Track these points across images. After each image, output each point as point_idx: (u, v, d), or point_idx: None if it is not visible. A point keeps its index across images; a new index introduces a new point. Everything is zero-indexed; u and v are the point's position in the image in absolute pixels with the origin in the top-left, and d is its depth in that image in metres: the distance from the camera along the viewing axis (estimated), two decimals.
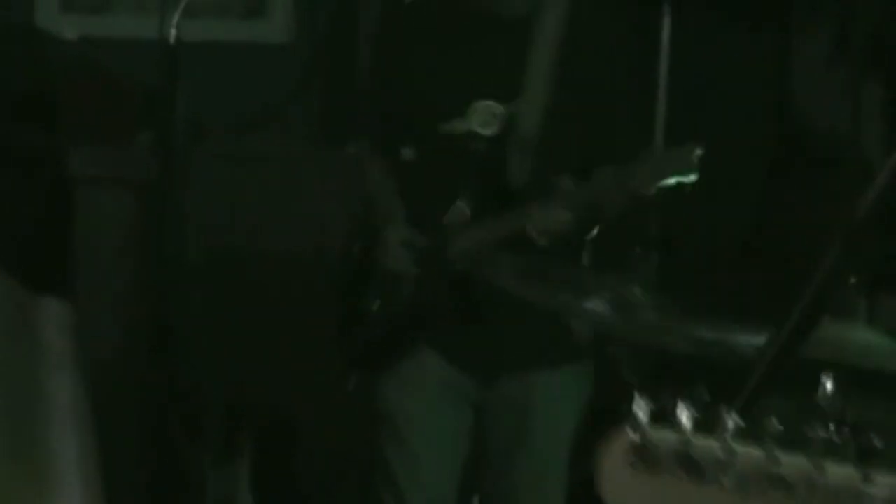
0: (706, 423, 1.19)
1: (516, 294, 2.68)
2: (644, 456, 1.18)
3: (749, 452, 1.18)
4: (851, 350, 2.23)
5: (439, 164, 3.06)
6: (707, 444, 1.18)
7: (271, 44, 4.72)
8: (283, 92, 4.67)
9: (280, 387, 4.33)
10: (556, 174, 2.97)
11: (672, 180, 2.87)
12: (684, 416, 1.19)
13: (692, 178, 2.86)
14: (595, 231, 3.00)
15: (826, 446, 1.15)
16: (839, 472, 1.16)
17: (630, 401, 2.87)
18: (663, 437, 1.18)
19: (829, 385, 2.26)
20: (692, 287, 2.92)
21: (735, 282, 3.95)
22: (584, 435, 3.12)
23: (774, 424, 1.19)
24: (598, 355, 3.07)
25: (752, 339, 2.35)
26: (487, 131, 2.98)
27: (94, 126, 4.49)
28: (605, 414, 3.00)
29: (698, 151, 2.86)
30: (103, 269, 4.33)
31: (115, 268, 4.34)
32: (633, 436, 1.17)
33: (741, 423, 1.19)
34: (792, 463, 1.17)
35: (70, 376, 3.08)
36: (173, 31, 3.63)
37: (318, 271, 3.99)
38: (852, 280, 2.26)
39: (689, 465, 1.17)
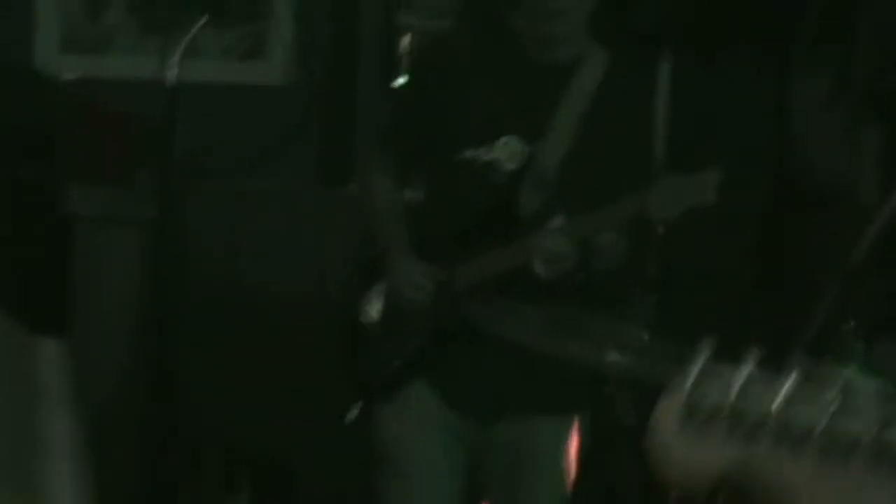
0: (757, 385, 1.18)
1: (534, 347, 2.70)
2: (695, 416, 1.17)
3: (800, 414, 1.17)
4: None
5: (455, 194, 3.13)
6: (758, 406, 1.17)
7: (270, 85, 4.74)
8: (282, 133, 4.68)
9: (278, 426, 4.32)
10: (565, 213, 3.04)
11: (688, 208, 2.92)
12: (737, 377, 1.18)
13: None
14: (598, 266, 3.02)
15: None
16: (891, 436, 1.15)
17: (628, 442, 2.86)
18: (714, 397, 1.17)
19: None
20: (691, 327, 2.93)
21: (734, 322, 3.95)
22: (577, 479, 3.12)
23: (825, 390, 1.18)
24: (597, 397, 3.08)
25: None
26: (509, 166, 3.05)
27: (94, 166, 4.50)
28: (602, 457, 3.00)
29: (716, 178, 2.91)
30: (103, 308, 4.33)
31: (114, 307, 4.34)
32: (684, 396, 1.17)
33: (792, 387, 1.18)
34: (842, 426, 1.17)
35: (67, 416, 3.07)
36: (173, 72, 3.65)
37: (316, 310, 3.99)
38: (850, 323, 2.27)
39: (740, 426, 1.16)
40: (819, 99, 4.15)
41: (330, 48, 4.76)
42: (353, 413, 3.21)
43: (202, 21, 3.78)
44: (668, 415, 1.19)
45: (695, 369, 1.20)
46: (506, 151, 3.06)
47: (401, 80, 3.62)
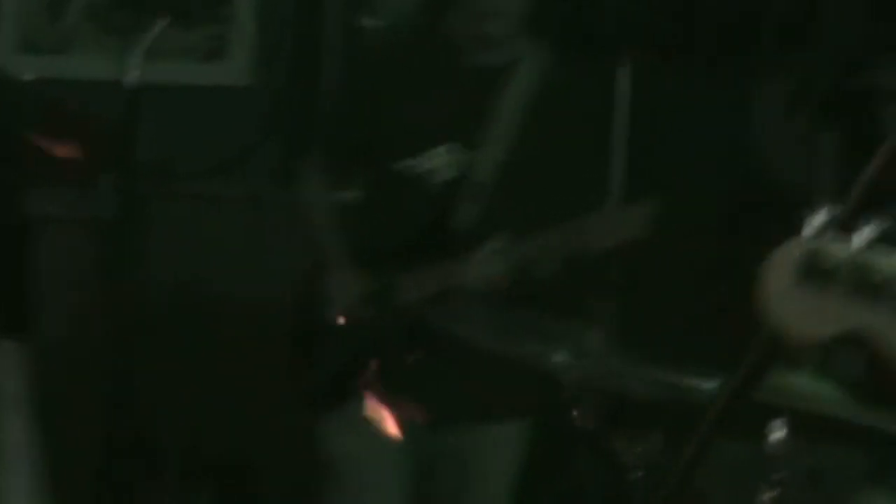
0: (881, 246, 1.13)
1: (481, 345, 2.69)
2: (814, 268, 1.12)
3: None
4: (800, 396, 2.25)
5: (391, 203, 3.09)
6: (884, 261, 1.11)
7: (232, 86, 4.73)
8: (244, 134, 4.67)
9: (237, 430, 4.31)
10: (503, 225, 2.98)
11: (623, 239, 2.86)
12: (863, 230, 1.14)
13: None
14: (533, 286, 2.99)
15: None
16: None
17: (586, 445, 2.86)
18: (837, 249, 1.11)
19: (780, 431, 2.27)
20: (650, 333, 2.94)
21: (694, 328, 3.96)
22: (527, 484, 3.13)
23: None
24: (554, 402, 3.09)
25: (708, 384, 2.36)
26: (447, 175, 3.01)
27: (55, 166, 4.48)
28: (557, 460, 3.01)
29: (650, 211, 2.85)
30: (61, 310, 4.31)
31: (74, 309, 4.32)
32: (805, 246, 1.11)
33: None
34: None
35: (23, 419, 3.06)
36: (134, 74, 3.63)
37: (274, 315, 3.98)
38: None
39: (862, 280, 1.10)
40: (778, 105, 4.17)
41: (292, 50, 4.75)
42: (303, 420, 3.20)
43: (163, 22, 3.77)
44: (785, 267, 1.13)
45: (816, 223, 1.15)
46: (443, 160, 3.01)
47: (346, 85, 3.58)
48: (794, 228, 3.74)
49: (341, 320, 3.08)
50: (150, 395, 4.15)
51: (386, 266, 3.05)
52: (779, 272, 1.11)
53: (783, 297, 1.10)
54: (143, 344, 4.03)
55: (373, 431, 3.10)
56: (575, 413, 2.89)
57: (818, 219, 1.11)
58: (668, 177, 4.21)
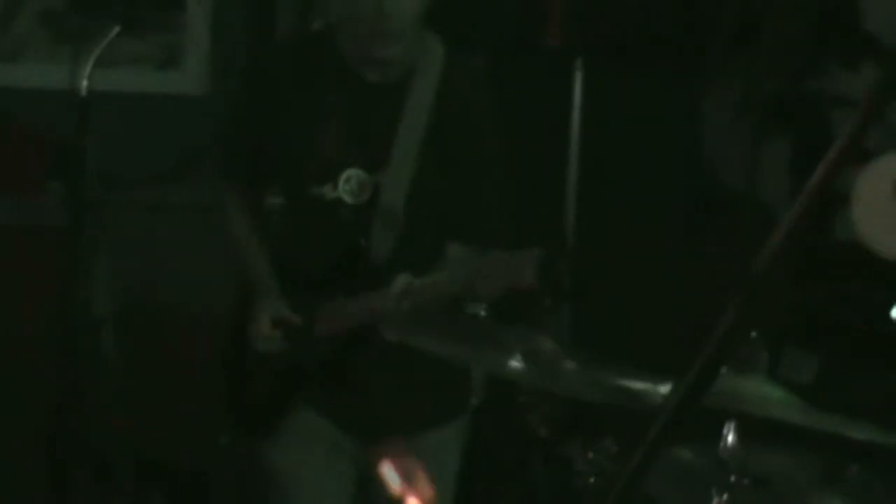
0: None
1: (429, 350, 2.67)
2: None
3: None
4: (751, 401, 2.27)
5: (307, 226, 3.00)
6: None
7: (185, 95, 4.71)
8: (197, 143, 4.65)
9: (191, 438, 4.29)
10: (419, 246, 2.91)
11: (509, 287, 2.73)
12: None
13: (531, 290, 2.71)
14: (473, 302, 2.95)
15: None
16: None
17: (537, 450, 2.86)
18: None
19: (730, 436, 2.29)
20: (602, 337, 2.95)
21: (646, 332, 3.98)
22: (480, 489, 3.13)
23: None
24: (504, 403, 3.09)
25: (661, 388, 2.38)
26: (355, 201, 2.92)
27: (4, 176, 4.45)
28: (510, 465, 3.02)
29: (537, 258, 2.71)
30: (11, 319, 4.28)
31: (22, 318, 4.29)
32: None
33: None
34: None
35: None
36: (85, 82, 3.62)
37: (218, 323, 3.96)
38: (753, 333, 2.30)
39: None
40: (727, 109, 4.20)
41: (246, 58, 4.74)
42: (236, 440, 3.16)
43: (115, 31, 3.75)
44: (879, 181, 1.12)
45: None
46: (350, 186, 2.90)
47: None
48: (743, 232, 3.75)
49: (265, 345, 3.02)
50: (101, 406, 4.14)
51: (304, 293, 2.98)
52: (873, 186, 1.11)
53: (876, 211, 1.10)
54: (95, 352, 4.01)
55: (312, 444, 3.07)
56: (527, 418, 2.90)
57: None
58: (620, 181, 4.23)
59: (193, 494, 4.32)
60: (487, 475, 3.24)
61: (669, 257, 4.29)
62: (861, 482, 2.38)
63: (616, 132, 4.20)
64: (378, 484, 3.05)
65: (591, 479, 2.56)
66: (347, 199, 2.91)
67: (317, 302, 2.97)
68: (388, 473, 2.94)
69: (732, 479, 2.31)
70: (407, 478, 2.91)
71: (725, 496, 2.31)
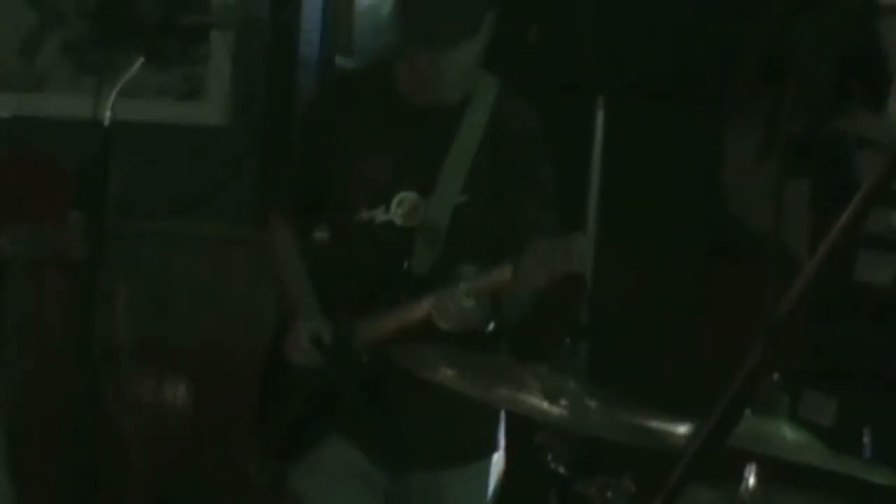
0: None
1: (450, 389, 2.67)
2: None
3: None
4: (771, 443, 2.26)
5: (352, 248, 3.06)
6: None
7: (207, 126, 4.74)
8: (218, 174, 4.67)
9: (202, 475, 4.29)
10: (453, 267, 2.94)
11: (555, 275, 2.77)
12: None
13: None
14: (503, 321, 2.99)
15: None
16: None
17: (556, 488, 2.86)
18: None
19: (751, 477, 2.28)
20: (622, 376, 2.94)
21: (667, 371, 3.97)
22: None
23: None
24: (524, 443, 3.09)
25: (680, 428, 2.37)
26: (406, 223, 2.99)
27: (24, 205, 4.47)
28: (528, 502, 3.00)
29: (583, 243, 2.79)
30: (29, 348, 4.29)
31: (42, 348, 4.30)
32: None
33: None
34: None
35: None
36: (109, 112, 3.64)
37: (242, 356, 3.97)
38: (775, 375, 2.29)
39: None
40: (749, 151, 4.20)
41: (267, 90, 4.77)
42: (266, 471, 3.17)
43: (139, 62, 3.78)
44: None
45: None
46: (402, 209, 2.97)
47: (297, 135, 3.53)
48: (759, 275, 3.74)
49: (301, 366, 3.05)
50: (116, 433, 4.14)
51: (343, 313, 3.02)
52: None
53: None
54: (110, 382, 4.02)
55: (340, 473, 3.09)
56: (545, 456, 2.89)
57: None
58: (640, 219, 4.23)
59: None
60: None
61: (687, 296, 4.28)
62: None
63: (637, 170, 4.20)
64: None
65: None
66: (398, 221, 2.99)
67: (355, 320, 3.01)
68: None
69: None
70: None
71: None
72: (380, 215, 2.99)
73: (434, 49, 2.84)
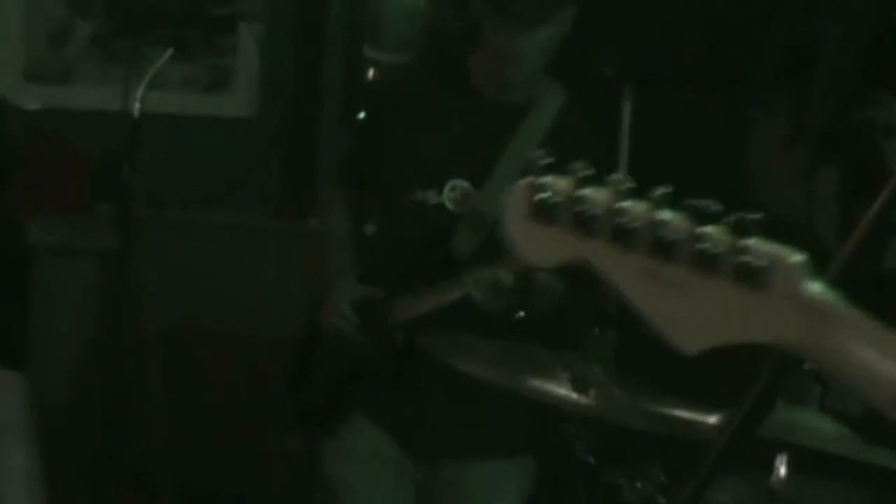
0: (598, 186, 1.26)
1: (481, 378, 2.68)
2: (541, 208, 1.26)
3: (634, 207, 1.26)
4: (802, 433, 2.26)
5: (398, 228, 3.13)
6: (595, 204, 1.25)
7: (234, 117, 4.75)
8: (245, 165, 4.68)
9: (230, 459, 4.31)
10: (492, 254, 2.99)
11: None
12: (574, 173, 1.27)
13: None
14: (535, 308, 3.01)
15: None
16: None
17: (585, 478, 2.85)
18: (557, 188, 1.27)
19: (782, 467, 2.28)
20: (651, 366, 2.94)
21: (693, 361, 3.97)
22: None
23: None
24: (552, 433, 3.09)
25: (709, 418, 2.37)
26: (455, 209, 3.06)
27: (54, 196, 4.49)
28: (557, 494, 3.00)
29: None
30: (59, 339, 4.31)
31: (71, 338, 4.32)
32: (532, 188, 1.25)
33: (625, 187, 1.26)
34: (672, 221, 1.25)
35: (24, 446, 3.06)
36: (136, 103, 3.65)
37: (270, 345, 3.98)
38: (805, 365, 2.28)
39: (578, 217, 1.25)
40: (777, 139, 4.19)
41: (294, 81, 4.77)
42: (293, 444, 3.20)
43: (168, 53, 3.78)
44: (517, 203, 1.26)
45: (537, 166, 1.28)
46: (454, 195, 3.06)
47: (362, 115, 3.62)
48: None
49: (336, 332, 3.09)
50: (147, 423, 4.16)
51: (388, 291, 3.08)
52: (512, 209, 1.26)
53: (516, 231, 1.26)
54: (140, 372, 4.03)
55: (370, 459, 3.11)
56: (575, 447, 2.89)
57: (538, 164, 1.24)
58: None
59: None
60: (535, 503, 3.22)
61: None
62: None
63: (665, 162, 4.19)
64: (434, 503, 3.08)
65: None
66: (449, 206, 3.07)
67: (395, 297, 3.07)
68: None
69: None
70: None
71: None
72: (432, 198, 3.06)
73: (515, 26, 2.91)
